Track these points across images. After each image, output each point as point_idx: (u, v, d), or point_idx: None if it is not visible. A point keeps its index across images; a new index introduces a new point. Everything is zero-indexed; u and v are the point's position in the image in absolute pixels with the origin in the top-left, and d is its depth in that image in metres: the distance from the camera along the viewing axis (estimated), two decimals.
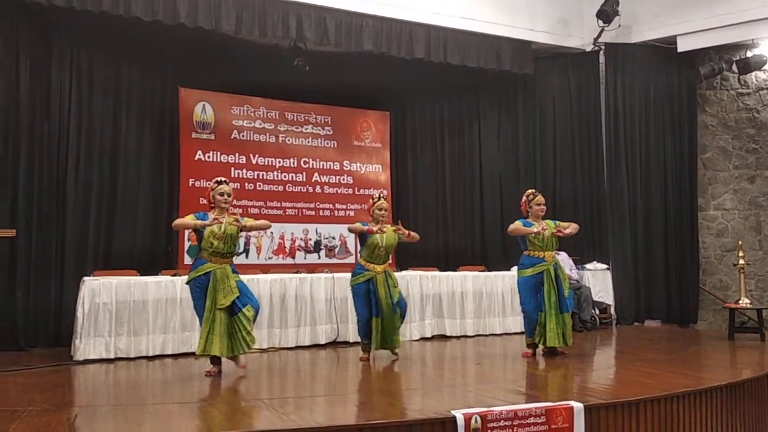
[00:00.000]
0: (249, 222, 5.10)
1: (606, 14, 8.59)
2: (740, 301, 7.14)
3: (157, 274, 6.80)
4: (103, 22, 6.96)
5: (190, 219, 4.97)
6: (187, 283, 4.96)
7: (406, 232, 5.67)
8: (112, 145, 7.50)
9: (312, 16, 7.59)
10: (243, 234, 5.28)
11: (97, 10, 6.53)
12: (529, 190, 6.02)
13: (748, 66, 8.57)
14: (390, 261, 5.85)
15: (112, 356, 5.85)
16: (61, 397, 4.33)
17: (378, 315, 5.50)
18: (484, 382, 4.89)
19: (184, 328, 6.17)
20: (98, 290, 5.84)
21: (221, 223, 4.86)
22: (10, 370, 5.26)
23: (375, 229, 5.57)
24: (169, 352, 6.10)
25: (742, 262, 7.22)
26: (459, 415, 3.51)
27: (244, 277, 6.40)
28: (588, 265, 8.75)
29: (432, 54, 8.24)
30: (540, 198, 5.84)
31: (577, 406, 3.79)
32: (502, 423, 3.61)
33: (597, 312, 8.48)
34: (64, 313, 6.81)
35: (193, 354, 6.10)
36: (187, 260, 7.86)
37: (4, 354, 6.09)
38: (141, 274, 6.69)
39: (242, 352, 4.95)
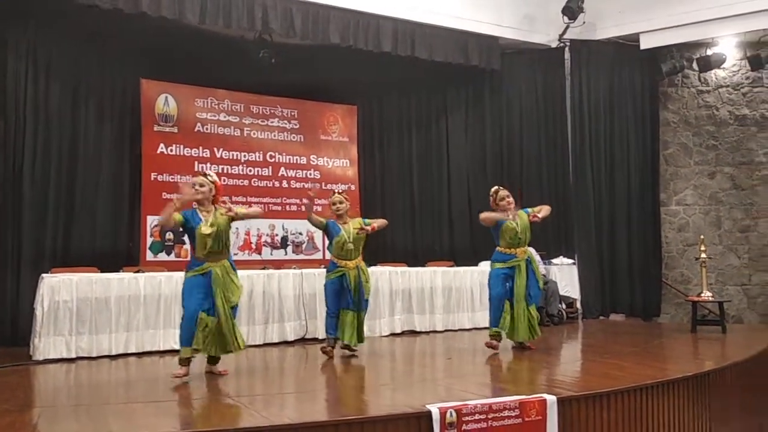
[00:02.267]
0: (241, 210, 4.82)
1: (571, 11, 8.67)
2: (702, 295, 7.29)
3: (118, 271, 6.60)
4: (62, 10, 6.73)
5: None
6: (185, 280, 4.71)
7: (369, 228, 5.60)
8: (71, 138, 7.24)
9: (278, 7, 7.47)
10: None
11: None
12: (493, 188, 6.01)
13: (708, 64, 8.75)
14: (360, 256, 5.69)
15: (73, 355, 5.65)
16: (23, 398, 4.18)
17: (348, 307, 5.45)
18: (455, 376, 4.88)
19: (148, 325, 6.01)
20: (58, 287, 5.63)
21: (182, 200, 4.61)
22: None
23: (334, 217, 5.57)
24: (133, 351, 5.92)
25: (704, 256, 7.38)
26: (434, 409, 3.48)
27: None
28: (554, 260, 8.84)
29: (399, 48, 8.20)
30: (503, 192, 5.85)
31: (550, 398, 3.80)
32: (476, 416, 3.60)
33: (564, 306, 8.56)
34: (20, 311, 6.57)
35: (158, 353, 6.00)
36: (150, 256, 7.69)
37: None
38: (102, 271, 6.46)
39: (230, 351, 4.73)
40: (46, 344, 5.56)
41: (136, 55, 7.71)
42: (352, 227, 5.58)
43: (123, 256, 7.49)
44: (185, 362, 4.61)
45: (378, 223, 5.73)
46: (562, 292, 8.58)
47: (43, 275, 5.81)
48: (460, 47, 8.63)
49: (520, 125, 9.41)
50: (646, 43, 8.90)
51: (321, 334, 6.77)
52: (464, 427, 3.53)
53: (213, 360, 4.78)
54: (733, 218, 9.43)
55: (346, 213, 5.66)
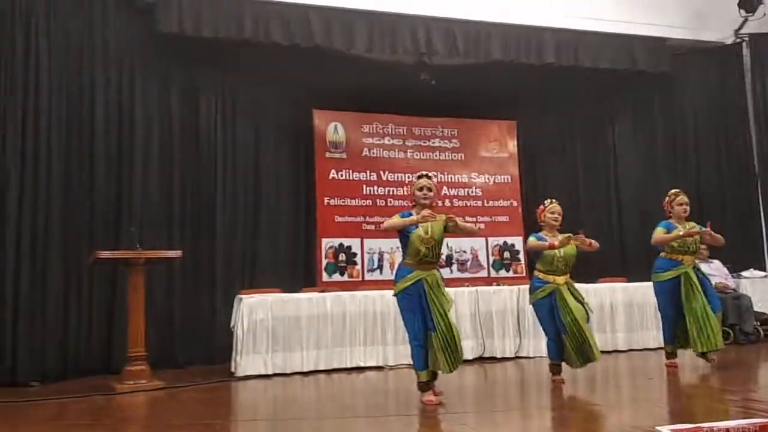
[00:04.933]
0: (460, 222, 4.50)
1: (749, 3, 8.09)
2: None
3: (298, 292, 6.91)
4: (244, 50, 7.26)
5: (397, 219, 4.40)
6: (395, 294, 4.43)
7: (587, 240, 5.17)
8: (255, 168, 7.72)
9: (440, 28, 7.59)
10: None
11: (240, 38, 6.82)
12: (672, 190, 5.81)
13: None
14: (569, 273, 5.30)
15: (269, 372, 5.97)
16: (244, 411, 4.45)
17: (565, 332, 4.96)
18: (665, 395, 4.58)
19: (335, 343, 6.22)
20: (255, 307, 6.00)
21: (428, 220, 4.27)
22: (181, 386, 5.47)
23: (556, 243, 5.07)
24: (322, 368, 6.15)
25: None
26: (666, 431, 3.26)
27: (366, 293, 6.47)
28: (744, 273, 8.12)
29: (563, 58, 8.01)
30: (683, 197, 5.65)
31: None
32: None
33: (758, 323, 7.81)
34: (216, 330, 7.04)
35: (345, 370, 6.18)
36: (325, 277, 7.98)
37: (166, 372, 6.24)
38: (284, 292, 6.78)
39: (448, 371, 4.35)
40: (246, 361, 5.92)
41: (307, 88, 8.10)
42: (559, 239, 5.11)
43: (302, 277, 7.86)
44: (425, 387, 4.36)
45: (594, 242, 5.23)
46: (755, 308, 7.83)
47: (242, 296, 6.20)
48: (625, 52, 8.26)
49: (694, 130, 8.82)
50: None
51: (499, 353, 6.69)
52: None
53: (424, 386, 4.39)
54: None
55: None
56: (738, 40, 8.63)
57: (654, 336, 7.29)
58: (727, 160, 8.65)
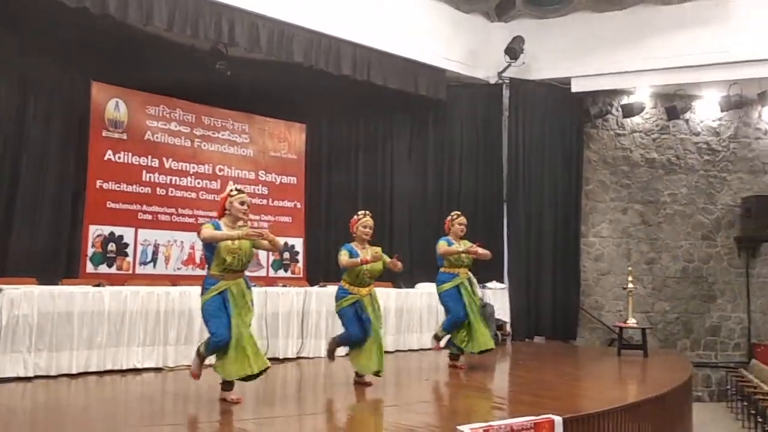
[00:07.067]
0: (271, 236, 4.51)
1: (513, 51, 9.26)
2: (628, 321, 7.97)
3: (58, 283, 6.22)
4: (10, 4, 6.29)
5: (214, 231, 4.40)
6: (202, 302, 4.44)
7: (398, 264, 5.37)
8: (16, 139, 6.74)
9: (244, 21, 7.40)
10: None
11: None
12: (454, 212, 6.54)
13: (630, 110, 9.66)
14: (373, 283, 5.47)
15: (30, 374, 5.23)
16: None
17: (369, 336, 5.15)
18: (448, 397, 5.07)
19: (110, 342, 5.69)
20: (18, 301, 5.21)
21: (251, 237, 4.38)
22: None
23: (369, 259, 5.20)
24: (93, 370, 5.57)
25: (631, 286, 8.09)
26: (467, 430, 3.65)
27: (149, 290, 6.14)
28: (489, 284, 9.29)
29: (357, 72, 8.36)
30: (462, 219, 6.43)
31: (557, 419, 4.09)
32: None
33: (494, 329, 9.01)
34: None
35: (121, 371, 5.69)
36: (90, 268, 7.27)
37: None
38: (40, 282, 6.04)
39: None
40: (2, 362, 5.12)
41: (88, 56, 7.32)
42: (371, 253, 5.30)
43: (62, 266, 7.04)
44: (230, 386, 4.47)
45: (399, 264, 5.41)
46: (496, 315, 9.02)
47: (2, 287, 5.34)
48: (411, 76, 8.93)
49: (460, 155, 9.82)
50: (577, 87, 9.66)
51: (282, 353, 6.74)
52: None
53: (229, 385, 4.47)
54: (641, 251, 10.38)
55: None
56: (500, 81, 9.86)
57: (417, 338, 8.01)
58: (483, 185, 9.80)
